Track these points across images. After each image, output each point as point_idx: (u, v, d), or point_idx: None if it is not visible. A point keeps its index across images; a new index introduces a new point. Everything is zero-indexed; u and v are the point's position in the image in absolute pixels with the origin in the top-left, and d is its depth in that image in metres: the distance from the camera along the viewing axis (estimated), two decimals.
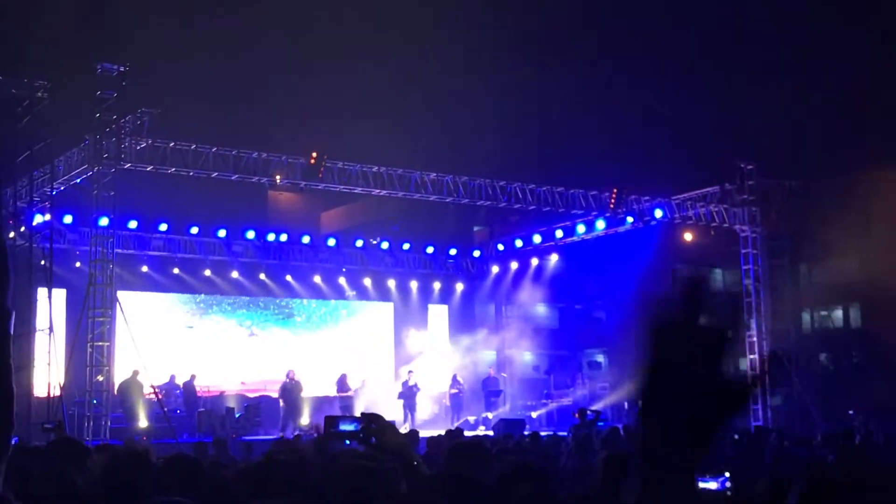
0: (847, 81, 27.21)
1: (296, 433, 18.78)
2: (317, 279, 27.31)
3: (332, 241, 27.15)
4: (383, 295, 28.52)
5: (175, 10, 25.94)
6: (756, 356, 24.65)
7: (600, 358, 31.52)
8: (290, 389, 22.92)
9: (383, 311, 28.77)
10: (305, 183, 21.54)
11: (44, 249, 18.09)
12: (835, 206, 26.62)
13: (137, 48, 22.67)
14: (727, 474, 6.33)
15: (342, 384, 24.38)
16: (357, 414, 4.24)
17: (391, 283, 28.50)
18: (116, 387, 20.77)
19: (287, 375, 23.20)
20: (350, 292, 28.02)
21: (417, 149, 25.02)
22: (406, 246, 28.22)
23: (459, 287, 29.86)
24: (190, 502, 3.85)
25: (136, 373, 20.41)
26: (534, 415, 25.74)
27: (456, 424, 22.00)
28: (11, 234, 18.28)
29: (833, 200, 26.86)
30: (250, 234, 25.24)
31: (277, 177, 20.89)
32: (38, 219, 19.42)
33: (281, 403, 22.96)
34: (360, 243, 27.57)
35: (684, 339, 1.37)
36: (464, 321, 29.58)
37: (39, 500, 4.07)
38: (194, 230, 24.83)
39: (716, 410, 1.38)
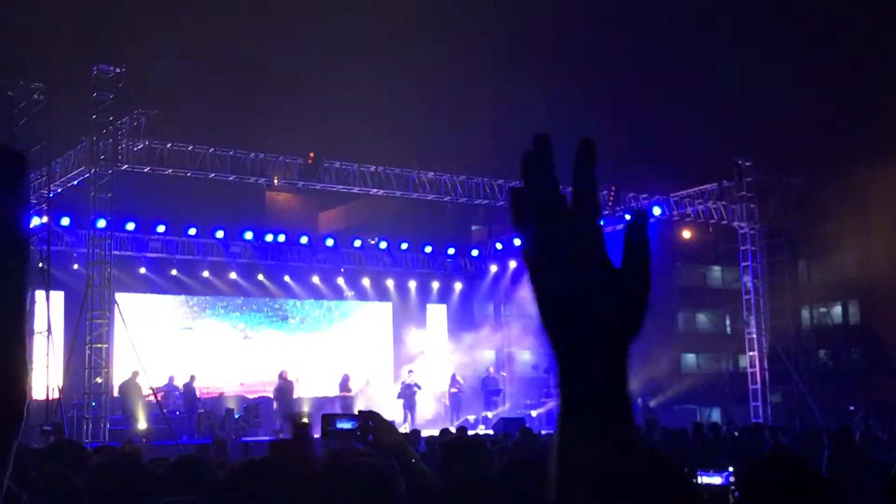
0: (845, 77, 27.23)
1: None
2: (315, 279, 27.28)
3: (330, 242, 27.12)
4: (382, 295, 28.50)
5: (171, 11, 25.93)
6: (756, 353, 24.66)
7: None
8: (283, 390, 22.89)
9: (382, 311, 28.76)
10: (303, 183, 21.54)
11: (41, 252, 18.04)
12: (833, 202, 26.67)
13: (134, 50, 22.66)
14: (731, 469, 6.32)
15: (345, 385, 24.33)
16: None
17: (389, 283, 28.48)
18: (116, 388, 20.76)
19: (279, 376, 23.16)
20: (348, 292, 27.99)
21: (415, 148, 25.04)
22: (404, 246, 28.21)
23: (458, 286, 29.85)
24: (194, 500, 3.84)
25: (135, 374, 20.38)
26: (534, 413, 25.71)
27: (456, 424, 21.99)
28: None
29: (832, 197, 26.90)
30: (248, 235, 25.21)
31: (275, 177, 20.88)
32: (36, 221, 19.38)
33: (275, 406, 22.90)
34: (358, 243, 27.55)
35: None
36: (463, 320, 29.55)
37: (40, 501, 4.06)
38: (192, 231, 24.79)
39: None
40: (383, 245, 27.77)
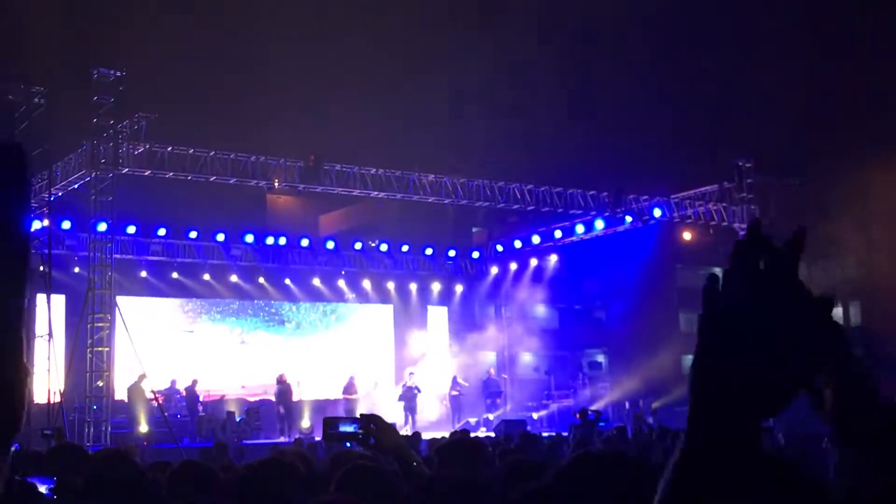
0: (847, 78, 27.23)
1: (295, 437, 18.77)
2: (316, 282, 27.27)
3: (330, 244, 27.11)
4: (383, 297, 28.49)
5: (171, 14, 25.94)
6: None
7: (601, 358, 31.51)
8: (283, 393, 22.87)
9: (383, 314, 28.75)
10: (304, 186, 21.54)
11: (42, 255, 18.05)
12: (834, 203, 26.64)
13: (134, 53, 22.67)
14: None
15: (350, 387, 24.27)
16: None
17: (390, 286, 28.48)
18: (120, 392, 20.78)
19: (277, 380, 23.12)
20: (349, 295, 27.98)
21: (415, 150, 25.03)
22: (405, 248, 28.20)
23: (459, 288, 29.84)
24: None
25: (141, 377, 20.35)
26: (535, 416, 25.71)
27: (457, 426, 21.98)
28: None
29: (832, 198, 26.87)
30: (249, 238, 25.20)
31: (276, 180, 20.88)
32: (37, 225, 19.39)
33: (280, 410, 22.86)
34: (358, 246, 27.55)
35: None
36: (463, 322, 29.55)
37: None
38: (193, 234, 24.78)
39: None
40: (384, 247, 27.76)
